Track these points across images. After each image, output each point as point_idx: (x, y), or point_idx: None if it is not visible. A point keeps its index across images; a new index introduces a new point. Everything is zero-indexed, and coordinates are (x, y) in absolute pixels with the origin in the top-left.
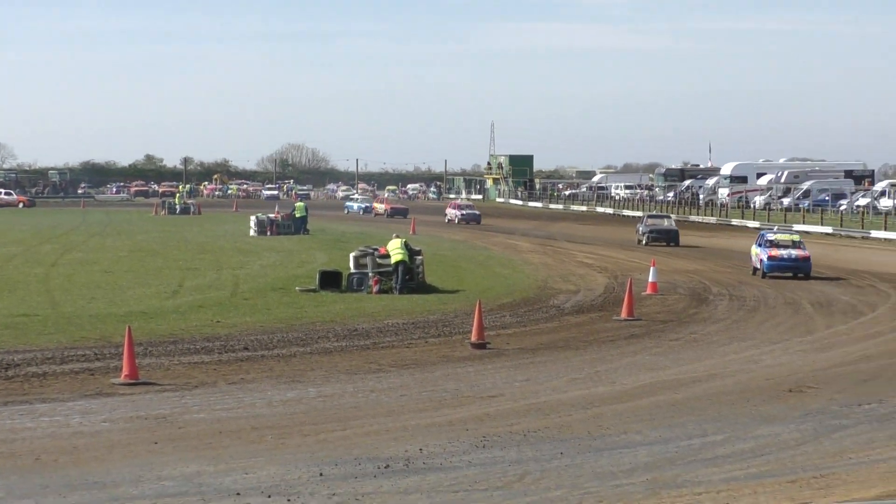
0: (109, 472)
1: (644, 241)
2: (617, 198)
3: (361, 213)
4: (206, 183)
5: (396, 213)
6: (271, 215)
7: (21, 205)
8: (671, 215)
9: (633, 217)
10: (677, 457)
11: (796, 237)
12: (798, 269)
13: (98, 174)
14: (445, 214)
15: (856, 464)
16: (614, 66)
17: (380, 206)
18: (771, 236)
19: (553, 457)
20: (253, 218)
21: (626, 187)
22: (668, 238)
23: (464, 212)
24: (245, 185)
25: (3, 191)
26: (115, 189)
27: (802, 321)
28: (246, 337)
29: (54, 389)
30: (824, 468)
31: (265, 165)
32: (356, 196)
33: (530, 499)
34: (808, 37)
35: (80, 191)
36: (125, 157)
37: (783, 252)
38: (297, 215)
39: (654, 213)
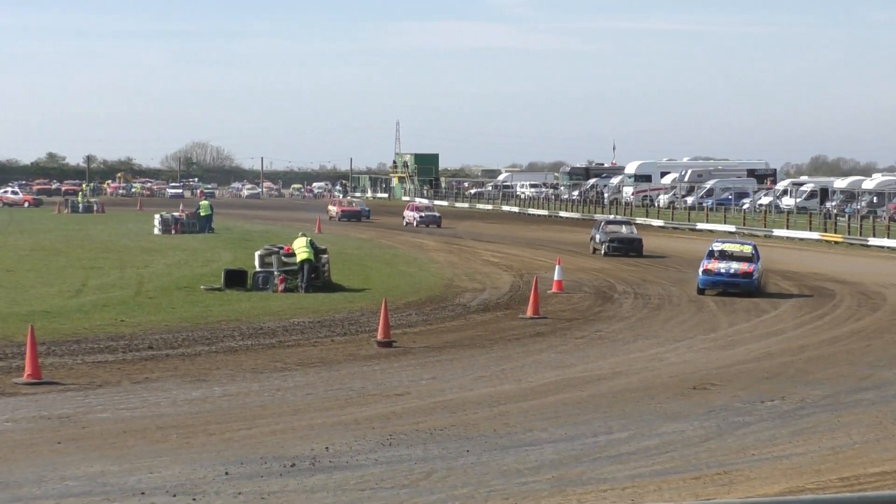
0: (12, 472)
1: (603, 252)
2: (522, 196)
3: (338, 217)
4: (110, 181)
5: (350, 216)
6: (176, 214)
7: (27, 204)
8: (631, 221)
9: (538, 216)
10: (583, 454)
11: (748, 248)
12: (736, 287)
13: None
14: (403, 217)
15: (759, 460)
16: (519, 66)
17: (332, 209)
18: (719, 246)
19: (459, 455)
20: (157, 216)
21: (532, 186)
22: (629, 248)
23: (422, 214)
24: (149, 184)
25: (9, 189)
26: (15, 187)
27: (706, 319)
28: (150, 336)
29: None
30: (728, 465)
31: (169, 164)
32: (357, 195)
33: (436, 497)
34: (711, 38)
35: None
36: (27, 155)
37: (721, 266)
38: (202, 214)
39: (612, 217)
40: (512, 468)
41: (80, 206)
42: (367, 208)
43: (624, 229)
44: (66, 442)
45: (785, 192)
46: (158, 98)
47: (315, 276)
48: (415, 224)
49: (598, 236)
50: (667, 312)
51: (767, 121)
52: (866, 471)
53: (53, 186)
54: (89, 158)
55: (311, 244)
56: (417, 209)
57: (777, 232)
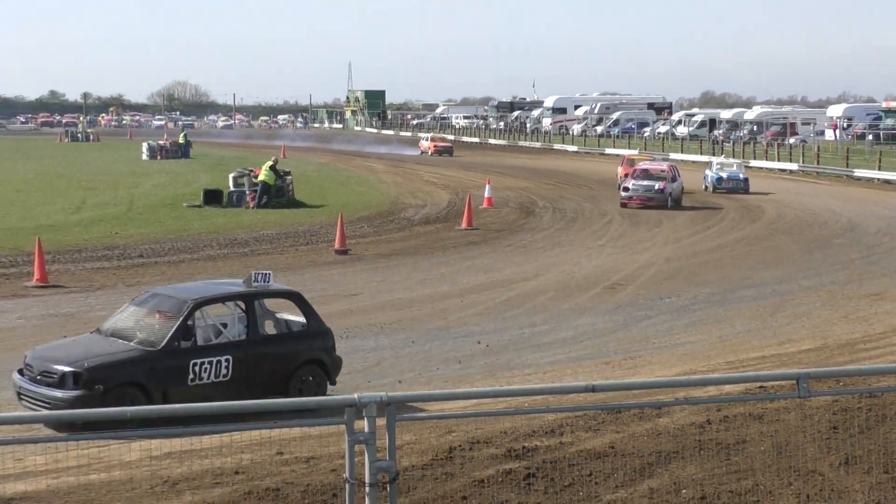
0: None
1: (711, 189)
2: (457, 126)
3: (712, 187)
4: (104, 114)
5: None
6: (160, 142)
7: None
8: (740, 160)
9: (471, 143)
10: (510, 344)
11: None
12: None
13: (8, 107)
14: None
15: (658, 348)
16: (454, 12)
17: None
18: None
19: (405, 345)
20: (145, 144)
21: (465, 117)
22: (737, 188)
23: (727, 173)
24: (137, 117)
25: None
26: (23, 120)
27: (615, 230)
28: (141, 246)
29: None
30: (633, 352)
31: (155, 99)
32: (717, 161)
33: (386, 380)
34: None
35: None
36: (32, 92)
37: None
38: (181, 142)
39: (723, 159)
40: (450, 356)
41: (79, 136)
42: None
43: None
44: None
45: (679, 122)
46: (145, 42)
47: (280, 195)
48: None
49: (708, 174)
50: (580, 224)
51: (664, 61)
52: (748, 355)
53: (55, 119)
54: (86, 95)
55: (273, 169)
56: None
57: (673, 156)
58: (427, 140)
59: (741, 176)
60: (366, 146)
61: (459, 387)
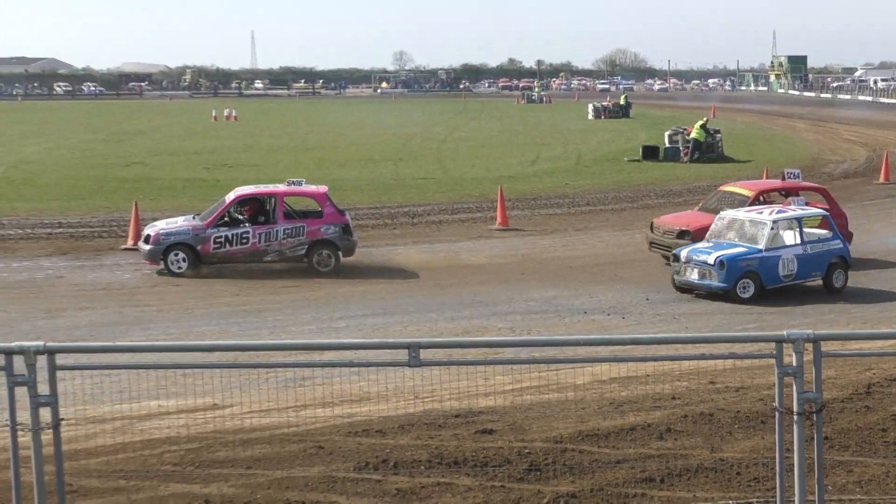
0: (490, 294)
1: None
2: (874, 88)
3: None
4: (555, 79)
5: None
6: (604, 103)
7: None
8: None
9: (889, 104)
10: None
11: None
12: None
13: (474, 73)
14: None
15: None
16: None
17: None
18: None
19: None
20: (590, 105)
21: (883, 80)
22: None
23: None
24: (584, 81)
25: None
26: (487, 84)
27: None
28: (587, 195)
29: (447, 233)
30: None
31: (599, 65)
32: None
33: (809, 319)
34: None
35: (461, 86)
36: (494, 60)
37: None
38: (622, 103)
39: None
40: (871, 299)
41: (534, 98)
42: None
43: None
44: (528, 273)
45: None
46: (592, 13)
47: (710, 150)
48: None
49: None
50: None
51: None
52: None
53: (513, 83)
54: (539, 62)
55: (703, 127)
56: None
57: None
58: None
59: None
60: None
61: (878, 328)
